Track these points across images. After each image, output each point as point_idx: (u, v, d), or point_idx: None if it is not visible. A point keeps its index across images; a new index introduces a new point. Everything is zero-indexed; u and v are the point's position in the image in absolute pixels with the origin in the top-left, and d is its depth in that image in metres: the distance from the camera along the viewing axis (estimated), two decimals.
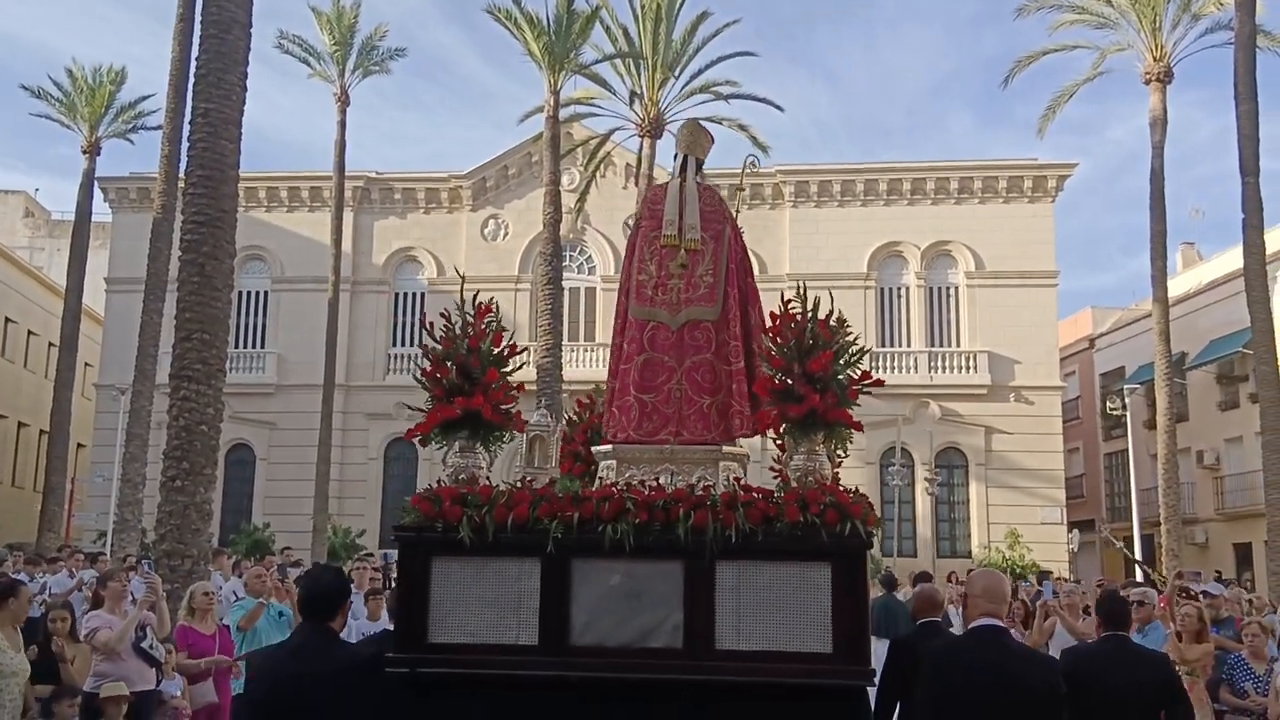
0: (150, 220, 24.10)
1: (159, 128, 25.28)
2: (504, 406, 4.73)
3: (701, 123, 6.28)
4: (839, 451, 5.57)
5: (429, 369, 4.73)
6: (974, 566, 26.39)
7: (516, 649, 4.44)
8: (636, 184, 29.95)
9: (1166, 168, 27.50)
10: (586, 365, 32.56)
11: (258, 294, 35.31)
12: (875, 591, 12.62)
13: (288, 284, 34.88)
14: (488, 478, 4.75)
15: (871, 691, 4.86)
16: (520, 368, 4.85)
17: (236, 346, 34.73)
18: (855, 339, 4.82)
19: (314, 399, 30.74)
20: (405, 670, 4.43)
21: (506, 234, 34.89)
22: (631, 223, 31.73)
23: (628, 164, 32.83)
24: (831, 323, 4.70)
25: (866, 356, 4.81)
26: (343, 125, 32.17)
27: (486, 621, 4.47)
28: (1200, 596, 10.30)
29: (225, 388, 34.56)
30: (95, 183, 32.74)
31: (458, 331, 4.73)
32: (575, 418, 6.27)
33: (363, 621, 10.38)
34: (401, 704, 4.40)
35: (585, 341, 34.03)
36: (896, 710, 5.66)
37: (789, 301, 4.78)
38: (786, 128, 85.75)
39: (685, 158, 5.78)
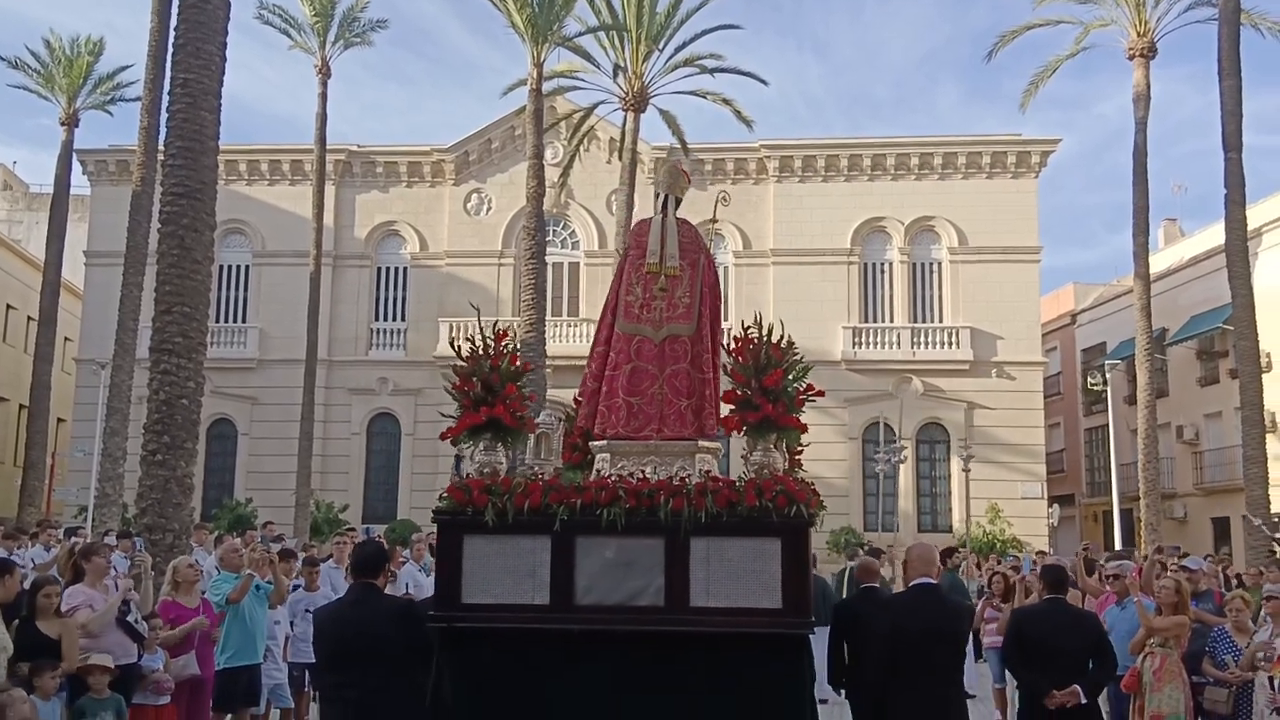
0: (129, 193, 24.61)
1: (138, 99, 25.83)
2: (519, 414, 6.13)
3: (679, 165, 7.60)
4: (797, 445, 7.05)
5: (458, 383, 6.11)
6: (956, 541, 27.99)
7: (531, 607, 5.86)
8: (620, 158, 31.10)
9: (1151, 144, 28.65)
10: (570, 340, 33.78)
11: (239, 268, 36.36)
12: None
13: (269, 258, 35.94)
14: (508, 471, 6.13)
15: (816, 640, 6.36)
16: (542, 389, 6.21)
17: (218, 321, 35.82)
18: (801, 358, 6.18)
19: (296, 374, 31.74)
20: (444, 625, 5.84)
21: (489, 208, 35.99)
22: (616, 199, 32.96)
23: (611, 138, 33.93)
24: (782, 345, 6.08)
25: (809, 373, 6.19)
26: (324, 98, 33.02)
27: (507, 586, 5.89)
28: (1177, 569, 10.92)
29: (206, 363, 35.63)
30: (74, 155, 33.60)
31: (481, 352, 6.10)
32: (574, 413, 7.64)
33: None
34: (432, 639, 5.82)
35: (569, 317, 35.19)
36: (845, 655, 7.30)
37: (748, 328, 6.16)
38: (773, 101, 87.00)
39: (666, 196, 7.09)
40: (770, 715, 5.67)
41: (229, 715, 9.26)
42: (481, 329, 6.21)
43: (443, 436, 6.30)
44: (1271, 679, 7.69)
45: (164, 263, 13.49)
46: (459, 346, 6.23)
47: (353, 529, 22.26)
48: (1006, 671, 9.29)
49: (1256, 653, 8.18)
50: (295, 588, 10.54)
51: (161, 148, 16.02)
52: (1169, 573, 9.82)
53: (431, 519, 6.23)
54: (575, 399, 7.83)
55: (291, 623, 10.38)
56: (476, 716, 5.78)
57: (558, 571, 5.86)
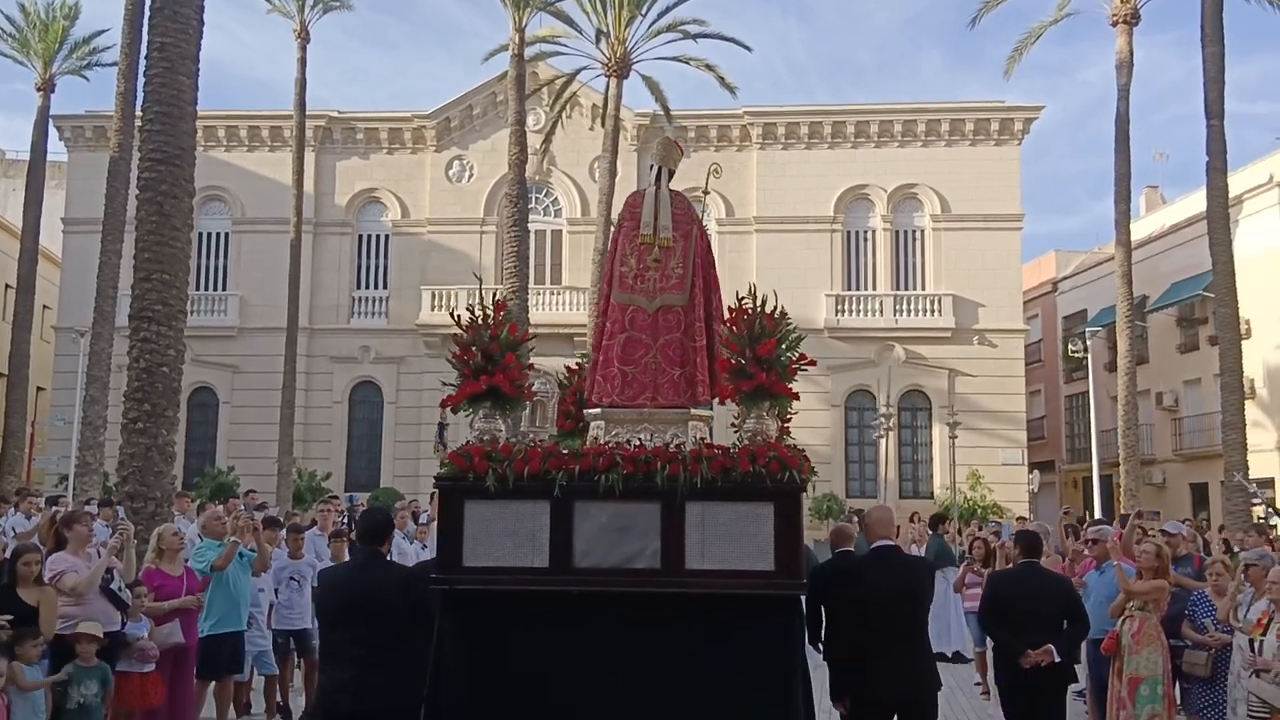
0: (107, 159, 24.46)
1: (114, 64, 25.68)
2: (519, 383, 6.30)
3: (673, 138, 7.75)
4: (787, 412, 7.28)
5: (459, 352, 6.28)
6: (937, 507, 28.39)
7: (531, 570, 6.05)
8: (603, 125, 31.08)
9: (1133, 111, 28.86)
10: (553, 309, 33.91)
11: (218, 235, 36.26)
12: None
13: (249, 225, 35.85)
14: (508, 438, 6.32)
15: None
16: (531, 351, 6.40)
17: (198, 289, 35.77)
18: (794, 329, 6.38)
19: (277, 342, 31.72)
20: (446, 587, 6.03)
21: (471, 175, 35.96)
22: (598, 166, 32.99)
23: (594, 104, 33.91)
24: (776, 316, 6.27)
25: (801, 342, 6.39)
26: (303, 62, 32.74)
27: (508, 549, 6.07)
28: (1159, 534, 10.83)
29: (187, 331, 35.57)
30: (50, 121, 33.36)
31: (481, 323, 6.27)
32: (566, 381, 7.83)
33: (327, 562, 10.85)
34: (432, 605, 6.03)
35: (551, 285, 35.26)
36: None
37: (743, 299, 6.35)
38: (757, 67, 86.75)
39: (660, 169, 7.24)
40: (763, 674, 5.89)
41: (213, 682, 9.36)
42: (482, 299, 6.37)
43: (443, 404, 6.47)
44: (1251, 641, 7.80)
45: (142, 229, 13.45)
46: (459, 316, 6.39)
47: (335, 497, 22.37)
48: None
49: (1233, 612, 8.32)
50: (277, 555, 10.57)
51: (139, 113, 15.79)
52: (1149, 537, 9.82)
53: (433, 485, 6.41)
54: (567, 367, 8.01)
55: (276, 590, 10.44)
56: (477, 676, 5.99)
57: (557, 535, 6.04)
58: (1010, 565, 10.00)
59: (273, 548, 10.36)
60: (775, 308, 6.28)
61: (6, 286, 36.50)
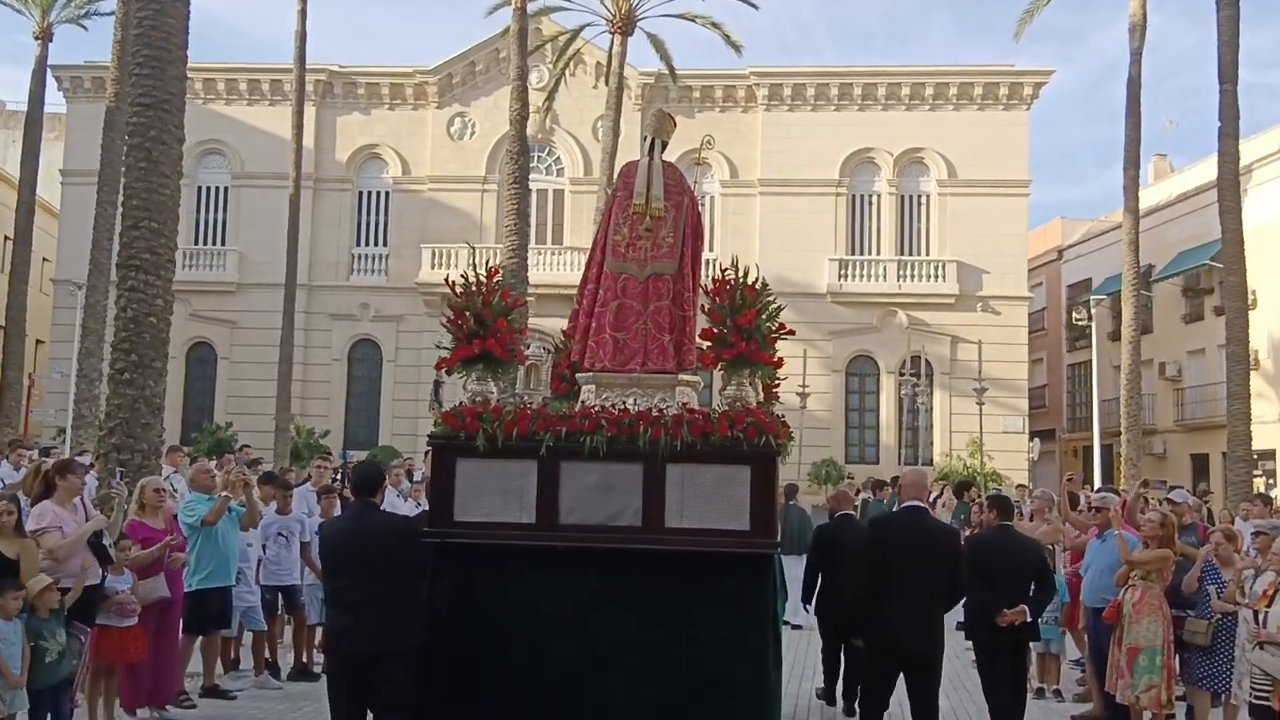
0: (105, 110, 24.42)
1: (112, 13, 25.58)
2: (510, 347, 6.70)
3: (666, 110, 8.08)
4: (773, 379, 7.69)
5: (452, 317, 6.66)
6: (938, 473, 28.82)
7: (519, 525, 6.49)
8: (607, 83, 31.21)
9: (1144, 80, 28.75)
10: (553, 269, 34.17)
11: (218, 189, 36.54)
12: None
13: (248, 180, 36.08)
14: (499, 400, 6.72)
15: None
16: (523, 318, 6.77)
17: (196, 243, 36.14)
18: (774, 299, 6.75)
19: (276, 298, 31.73)
20: (437, 540, 6.47)
21: (473, 133, 36.12)
22: (601, 125, 32.99)
23: (598, 62, 34.02)
24: (757, 286, 6.64)
25: (782, 311, 6.78)
26: (303, 14, 32.46)
27: (497, 505, 6.51)
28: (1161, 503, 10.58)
29: (186, 286, 35.66)
30: (49, 71, 33.45)
31: (474, 288, 6.65)
32: (562, 345, 8.22)
33: (317, 518, 10.82)
34: (426, 552, 6.45)
35: (553, 244, 35.52)
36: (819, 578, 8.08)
37: (725, 270, 6.72)
38: (765, 27, 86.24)
39: (653, 140, 7.57)
40: (736, 627, 6.33)
41: (200, 637, 9.41)
42: (474, 264, 6.74)
43: (437, 366, 6.86)
44: (1256, 613, 7.74)
45: (130, 176, 13.22)
46: (453, 282, 6.76)
47: (329, 453, 22.59)
48: None
49: (1241, 583, 8.29)
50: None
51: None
52: (1154, 506, 9.73)
53: (426, 443, 6.81)
54: (564, 332, 8.40)
55: (264, 546, 10.48)
56: (467, 624, 6.44)
57: (543, 493, 6.48)
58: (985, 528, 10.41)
59: (267, 503, 10.49)
60: (757, 279, 6.64)
61: (4, 238, 36.76)
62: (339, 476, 15.18)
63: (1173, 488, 14.14)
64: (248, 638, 10.54)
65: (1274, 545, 7.98)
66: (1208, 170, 37.32)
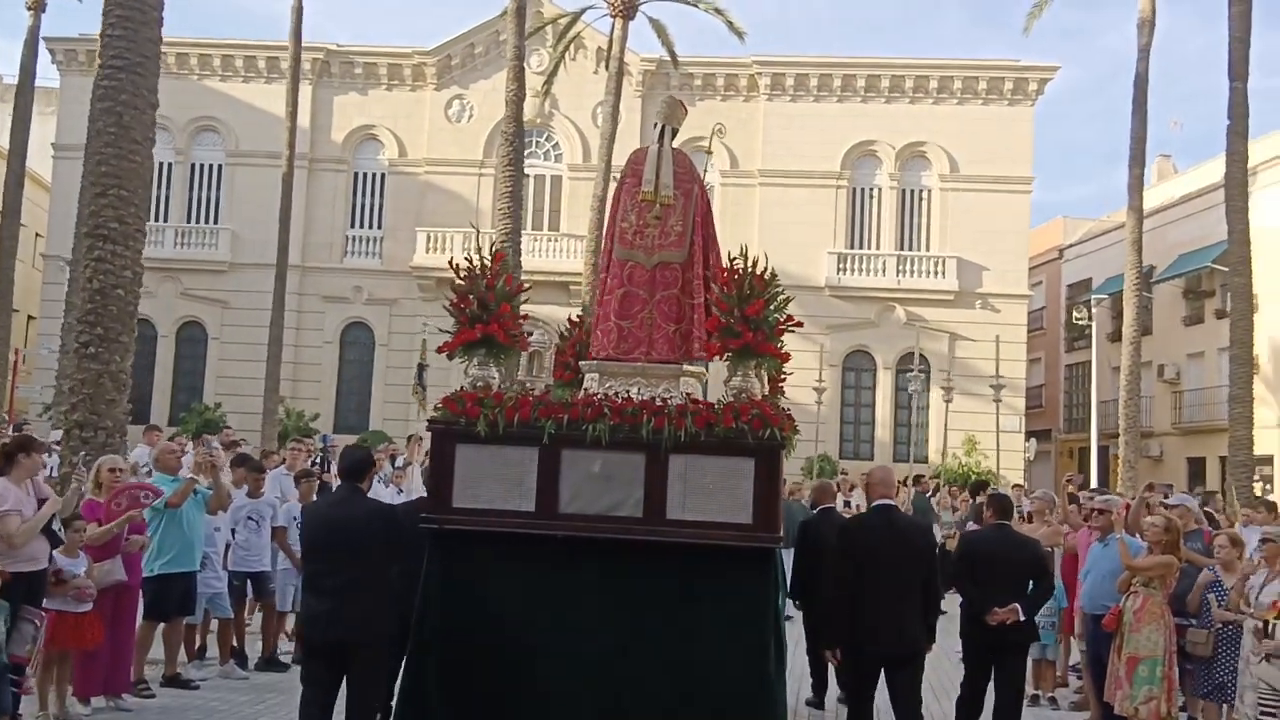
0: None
1: None
2: (513, 332, 6.65)
3: (678, 98, 8.02)
4: (779, 372, 7.66)
5: (455, 300, 6.61)
6: (932, 472, 28.83)
7: (518, 514, 6.44)
8: (607, 68, 31.04)
9: (1152, 81, 28.52)
10: (549, 255, 34.12)
11: (212, 167, 36.37)
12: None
13: (243, 158, 35.92)
14: (500, 386, 6.67)
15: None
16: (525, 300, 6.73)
17: (189, 221, 36.00)
18: (782, 290, 6.70)
19: (269, 279, 31.47)
20: (435, 526, 6.42)
21: (471, 116, 35.95)
22: (600, 110, 32.82)
23: (599, 47, 33.86)
24: (765, 277, 6.60)
25: (789, 303, 6.72)
26: None
27: (496, 493, 6.47)
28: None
29: (177, 264, 35.48)
30: (41, 42, 33.22)
31: (478, 272, 6.59)
32: (566, 333, 8.18)
33: (293, 504, 10.65)
34: (409, 540, 6.39)
35: (550, 231, 35.42)
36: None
37: (734, 259, 6.67)
38: (772, 17, 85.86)
39: (664, 127, 7.52)
40: (738, 623, 6.30)
41: (162, 624, 9.14)
42: (479, 247, 6.69)
43: (439, 350, 6.82)
44: (1266, 624, 7.51)
45: (99, 142, 12.86)
46: (456, 265, 6.71)
47: (306, 437, 22.29)
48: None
49: (1245, 594, 8.12)
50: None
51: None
52: (1159, 510, 9.58)
53: (426, 428, 6.76)
54: (570, 320, 8.36)
55: (233, 530, 10.24)
56: (462, 611, 6.40)
57: (544, 481, 6.44)
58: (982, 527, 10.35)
59: (240, 486, 10.26)
60: (766, 269, 6.60)
61: None
62: (318, 460, 14.94)
63: (1165, 489, 14.03)
64: (215, 625, 10.26)
65: None
66: (1211, 172, 37.30)
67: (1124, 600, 8.29)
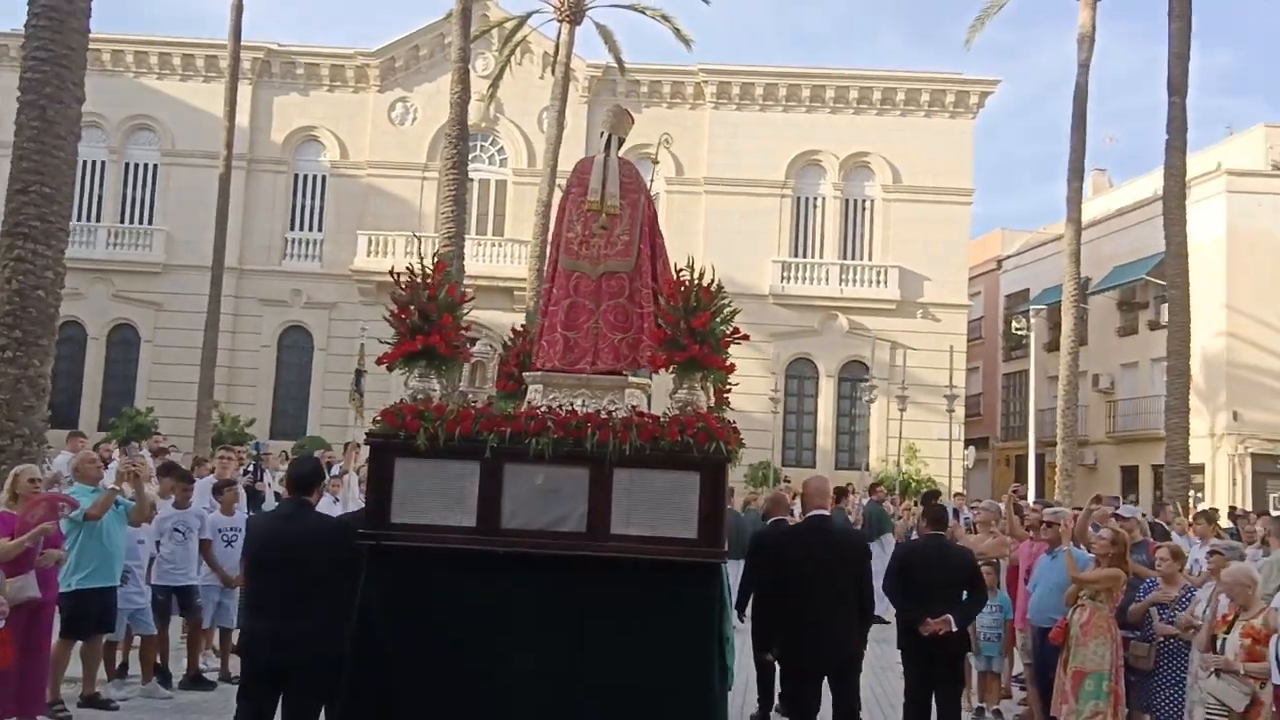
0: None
1: None
2: (455, 343, 6.51)
3: (624, 107, 7.95)
4: (724, 384, 7.60)
5: (396, 311, 6.46)
6: (873, 479, 28.98)
7: (459, 529, 6.29)
8: (554, 73, 30.93)
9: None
10: (493, 260, 33.90)
11: (147, 166, 35.65)
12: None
13: (179, 157, 35.26)
14: (441, 398, 6.53)
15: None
16: (468, 311, 6.60)
17: (123, 221, 35.27)
18: (729, 302, 6.64)
19: (204, 281, 30.90)
20: (373, 541, 6.26)
21: (415, 119, 35.62)
22: (546, 115, 32.61)
23: (545, 52, 33.73)
24: (712, 289, 6.53)
25: (736, 315, 6.66)
26: None
27: (436, 508, 6.31)
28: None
29: (110, 265, 34.77)
30: None
31: (419, 281, 6.45)
32: (510, 343, 8.05)
33: (216, 516, 10.28)
34: (360, 557, 6.25)
35: (494, 236, 35.21)
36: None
37: (680, 270, 6.60)
38: (716, 29, 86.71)
39: (610, 136, 7.44)
40: (683, 639, 6.20)
41: (79, 642, 8.72)
42: (418, 254, 6.55)
43: (379, 361, 6.66)
44: (1214, 638, 7.38)
45: (22, 136, 12.37)
46: (398, 274, 6.56)
47: (238, 445, 21.84)
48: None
49: (1193, 610, 8.06)
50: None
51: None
52: (1106, 522, 9.53)
53: (364, 441, 6.60)
54: (514, 330, 8.24)
55: (158, 543, 9.80)
56: (401, 630, 6.24)
57: (485, 496, 6.29)
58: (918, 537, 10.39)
59: (167, 497, 9.89)
60: (713, 281, 6.53)
61: None
62: (251, 468, 14.48)
63: (1112, 501, 14.09)
64: (140, 642, 9.77)
65: (1224, 572, 7.72)
66: (1145, 186, 38.12)
67: (1070, 613, 8.26)
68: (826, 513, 7.55)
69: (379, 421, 6.38)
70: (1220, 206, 32.69)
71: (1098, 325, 38.41)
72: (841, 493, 18.02)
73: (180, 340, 33.77)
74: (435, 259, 6.53)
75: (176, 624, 10.31)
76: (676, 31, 32.03)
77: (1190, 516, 16.48)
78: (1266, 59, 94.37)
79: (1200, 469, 31.20)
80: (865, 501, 18.63)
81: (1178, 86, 24.51)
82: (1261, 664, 6.95)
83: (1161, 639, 8.33)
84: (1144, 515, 14.47)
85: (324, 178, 35.85)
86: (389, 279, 6.74)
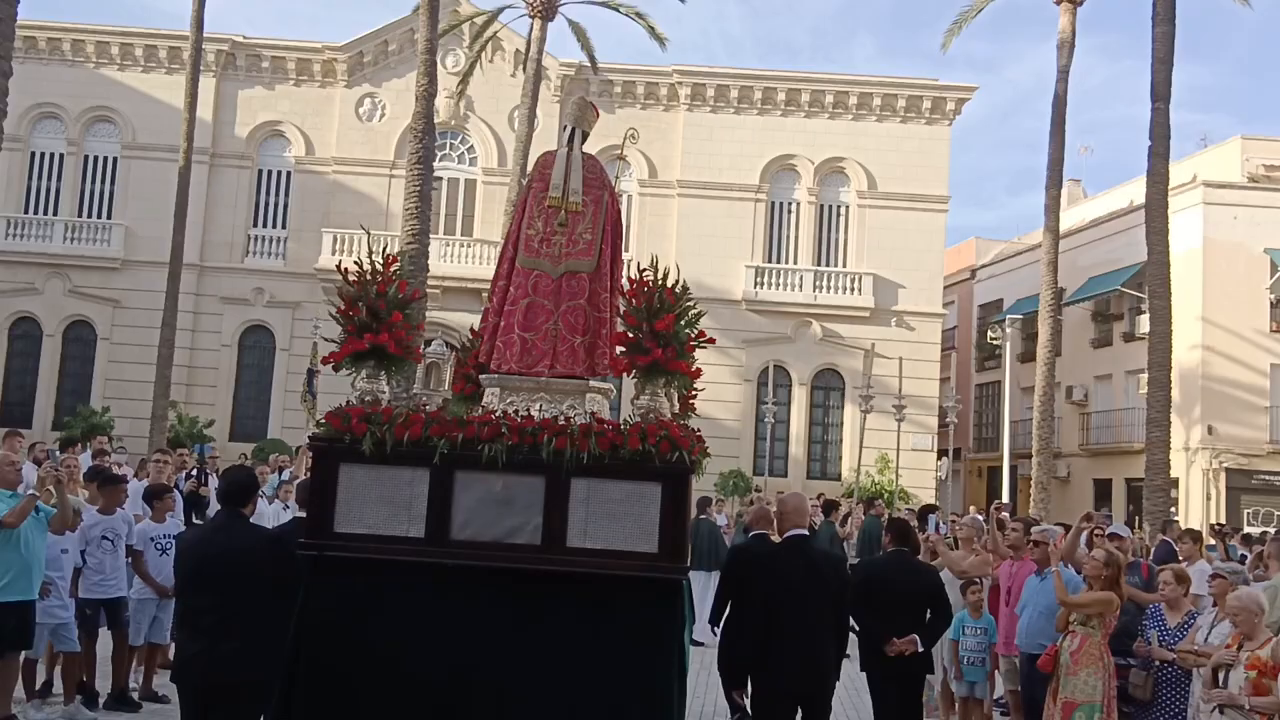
0: None
1: None
2: (406, 343, 6.20)
3: (589, 99, 7.68)
4: (690, 389, 7.32)
5: (343, 308, 6.15)
6: (845, 489, 28.78)
7: (406, 540, 5.97)
8: (524, 70, 30.67)
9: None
10: (461, 261, 33.55)
11: (106, 159, 35.05)
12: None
13: (140, 151, 34.66)
14: (390, 400, 6.22)
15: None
16: (420, 312, 6.30)
17: (80, 215, 34.66)
18: (694, 304, 6.38)
19: (164, 277, 30.45)
20: (314, 553, 5.94)
21: (383, 115, 35.22)
22: (517, 114, 32.34)
23: (517, 50, 33.48)
24: (676, 290, 6.26)
25: (702, 318, 6.40)
26: None
27: (383, 516, 5.99)
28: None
29: (66, 260, 34.17)
30: None
31: (368, 277, 6.14)
32: (469, 343, 7.75)
33: (146, 524, 9.75)
34: (298, 571, 5.95)
35: (462, 236, 34.83)
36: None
37: (644, 270, 6.32)
38: (692, 36, 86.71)
39: (573, 130, 7.16)
40: (641, 656, 5.91)
41: None
42: (371, 251, 6.25)
43: (324, 361, 6.35)
44: (1216, 671, 7.04)
45: None
46: (345, 270, 6.26)
47: (176, 450, 21.25)
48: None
49: (1193, 636, 7.77)
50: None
51: None
52: (1099, 542, 9.27)
53: (306, 445, 6.28)
54: (473, 330, 7.94)
55: (83, 553, 9.32)
56: (341, 646, 5.91)
57: (435, 505, 5.97)
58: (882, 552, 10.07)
59: (93, 502, 9.44)
60: (677, 281, 6.27)
61: None
62: (195, 472, 13.84)
63: (1105, 519, 13.71)
64: (63, 660, 9.31)
65: (1229, 598, 7.35)
66: (1120, 198, 38.27)
67: (1061, 640, 7.85)
68: (805, 532, 7.26)
69: (323, 424, 6.07)
70: (1196, 218, 32.73)
71: (1072, 337, 38.41)
72: (831, 505, 17.67)
73: (138, 338, 33.13)
74: (384, 253, 6.22)
75: (106, 639, 9.75)
76: (651, 30, 31.87)
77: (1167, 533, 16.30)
78: (1238, 74, 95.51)
79: (1175, 483, 31.17)
80: (819, 521, 18.10)
81: (1161, 92, 24.33)
82: (1269, 699, 6.58)
83: (1158, 664, 8.02)
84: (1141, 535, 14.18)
85: (289, 174, 35.36)
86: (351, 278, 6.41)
